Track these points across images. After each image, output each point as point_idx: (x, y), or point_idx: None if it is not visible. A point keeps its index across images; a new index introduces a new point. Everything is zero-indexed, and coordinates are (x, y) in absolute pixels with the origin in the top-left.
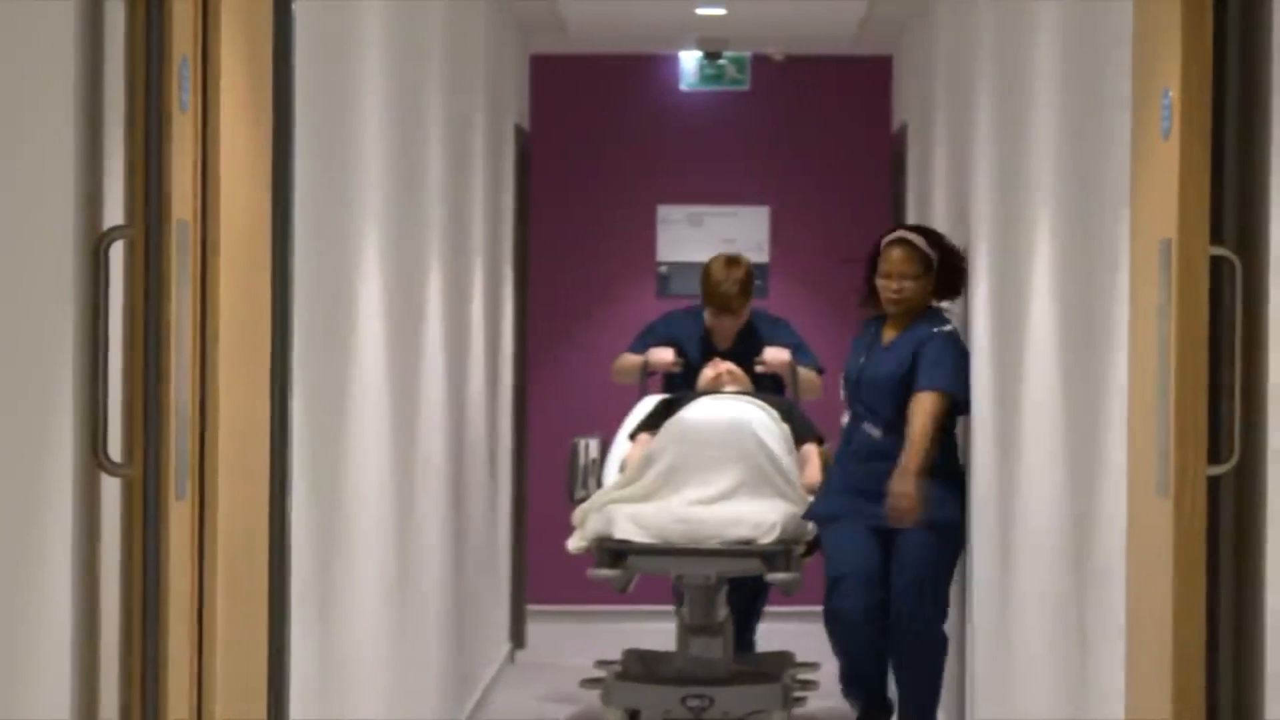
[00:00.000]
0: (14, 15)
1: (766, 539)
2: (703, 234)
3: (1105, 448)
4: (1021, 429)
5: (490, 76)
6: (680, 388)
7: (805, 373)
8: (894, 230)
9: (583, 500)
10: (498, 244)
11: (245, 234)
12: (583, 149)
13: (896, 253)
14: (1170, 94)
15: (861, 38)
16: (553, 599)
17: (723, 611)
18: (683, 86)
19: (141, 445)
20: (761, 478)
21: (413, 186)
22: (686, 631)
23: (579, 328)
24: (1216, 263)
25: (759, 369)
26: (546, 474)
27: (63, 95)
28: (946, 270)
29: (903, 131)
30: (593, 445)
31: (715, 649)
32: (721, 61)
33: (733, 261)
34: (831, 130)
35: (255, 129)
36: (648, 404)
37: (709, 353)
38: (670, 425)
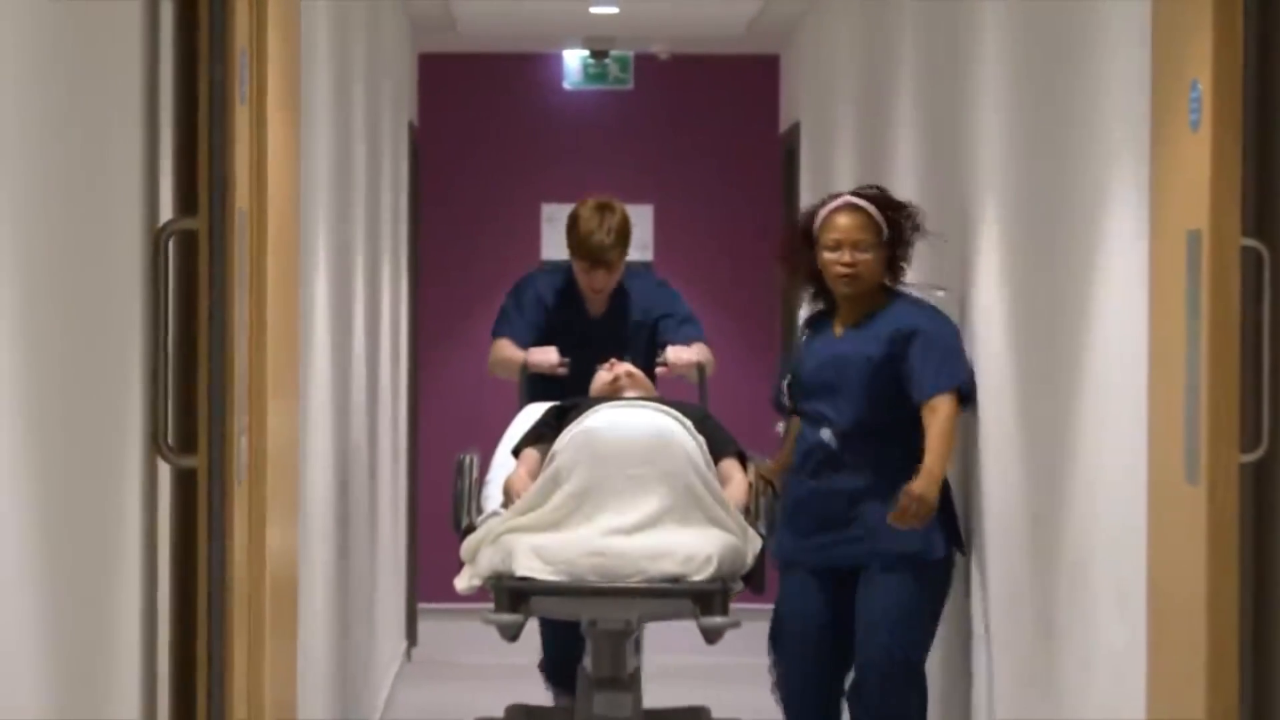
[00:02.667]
0: (87, 14)
1: (700, 575)
2: None
3: (1074, 438)
4: (967, 423)
5: (392, 74)
6: (558, 389)
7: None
8: (834, 197)
9: (471, 530)
10: (396, 242)
11: (285, 224)
12: (467, 148)
13: (846, 219)
14: (1200, 86)
15: (749, 37)
16: (439, 597)
17: (634, 661)
18: (566, 85)
19: (206, 435)
20: (692, 501)
21: (348, 186)
22: (590, 685)
23: (462, 325)
24: (1242, 253)
25: (659, 371)
26: (433, 472)
27: (130, 91)
28: (897, 244)
29: (794, 130)
30: (475, 462)
31: (624, 707)
32: (606, 60)
33: (605, 207)
34: (716, 129)
35: (290, 120)
36: (533, 412)
37: (580, 322)
38: (579, 439)
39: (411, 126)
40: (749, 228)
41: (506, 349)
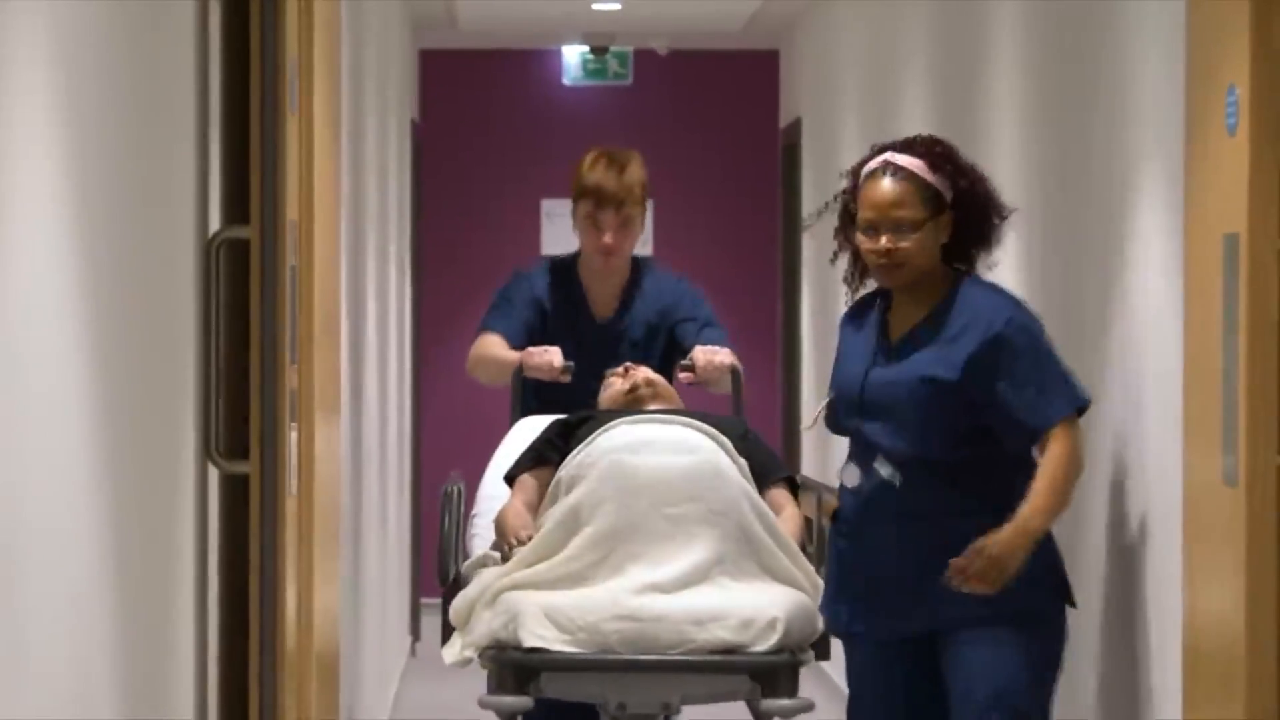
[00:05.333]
0: (141, 26)
1: (762, 644)
2: None
3: (1095, 440)
4: None
5: (395, 71)
6: (561, 400)
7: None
8: (877, 153)
9: (458, 583)
10: (400, 240)
11: (328, 234)
12: (467, 144)
13: (881, 191)
14: (1237, 91)
15: (748, 32)
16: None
17: None
18: (565, 81)
19: (259, 442)
20: (750, 548)
21: (361, 186)
22: None
23: (462, 321)
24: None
25: (682, 377)
26: (433, 467)
27: (183, 102)
28: (971, 208)
29: (795, 126)
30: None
31: None
32: (606, 56)
33: (616, 151)
34: (715, 124)
35: (333, 130)
36: (528, 429)
37: (583, 326)
38: (606, 467)
39: (413, 123)
40: (748, 223)
41: (495, 346)
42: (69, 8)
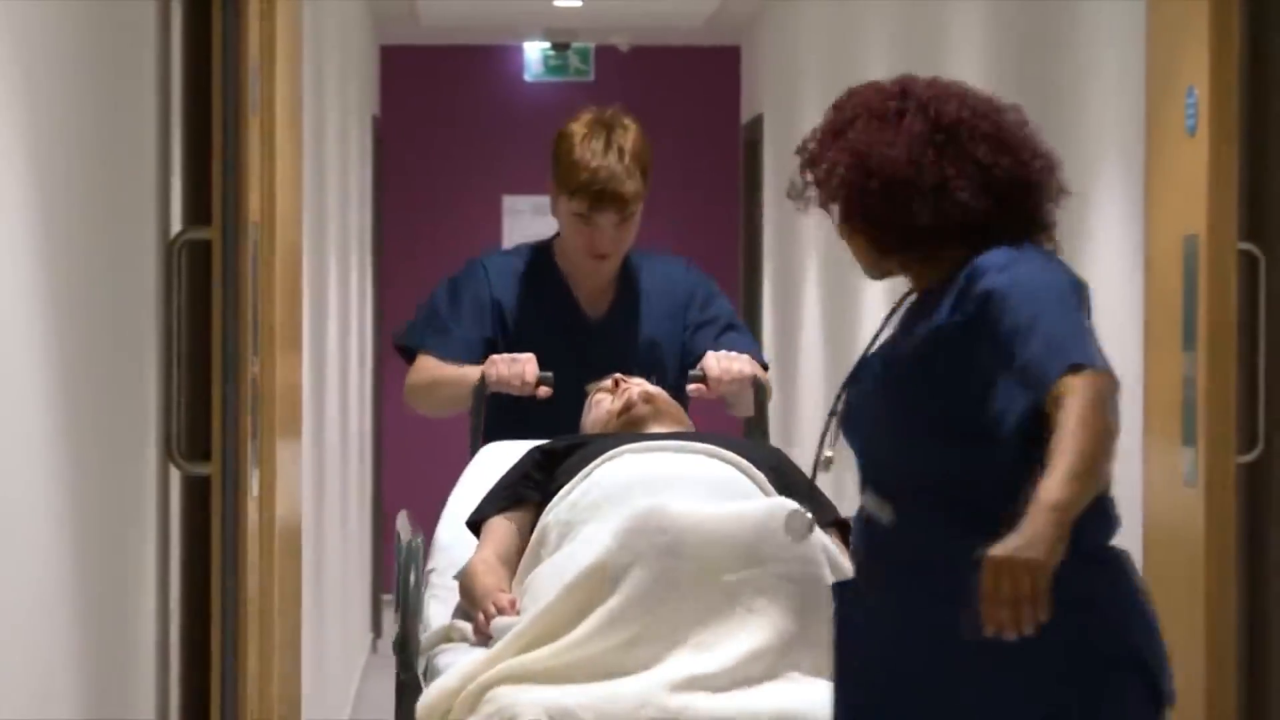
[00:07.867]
0: (102, 26)
1: None
2: (548, 224)
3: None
4: None
5: (356, 67)
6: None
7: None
8: None
9: (426, 660)
10: (361, 238)
11: (290, 235)
12: (428, 141)
13: None
14: (1196, 92)
15: (710, 28)
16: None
17: None
18: (527, 78)
19: (220, 443)
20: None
21: (321, 183)
22: None
23: None
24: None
25: (691, 390)
26: (394, 462)
27: (144, 103)
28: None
29: (756, 122)
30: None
31: None
32: (567, 53)
33: (613, 119)
34: (677, 121)
35: (295, 131)
36: (495, 458)
37: (569, 327)
38: (640, 519)
39: (374, 119)
40: (709, 220)
41: (438, 367)
42: (28, 8)
